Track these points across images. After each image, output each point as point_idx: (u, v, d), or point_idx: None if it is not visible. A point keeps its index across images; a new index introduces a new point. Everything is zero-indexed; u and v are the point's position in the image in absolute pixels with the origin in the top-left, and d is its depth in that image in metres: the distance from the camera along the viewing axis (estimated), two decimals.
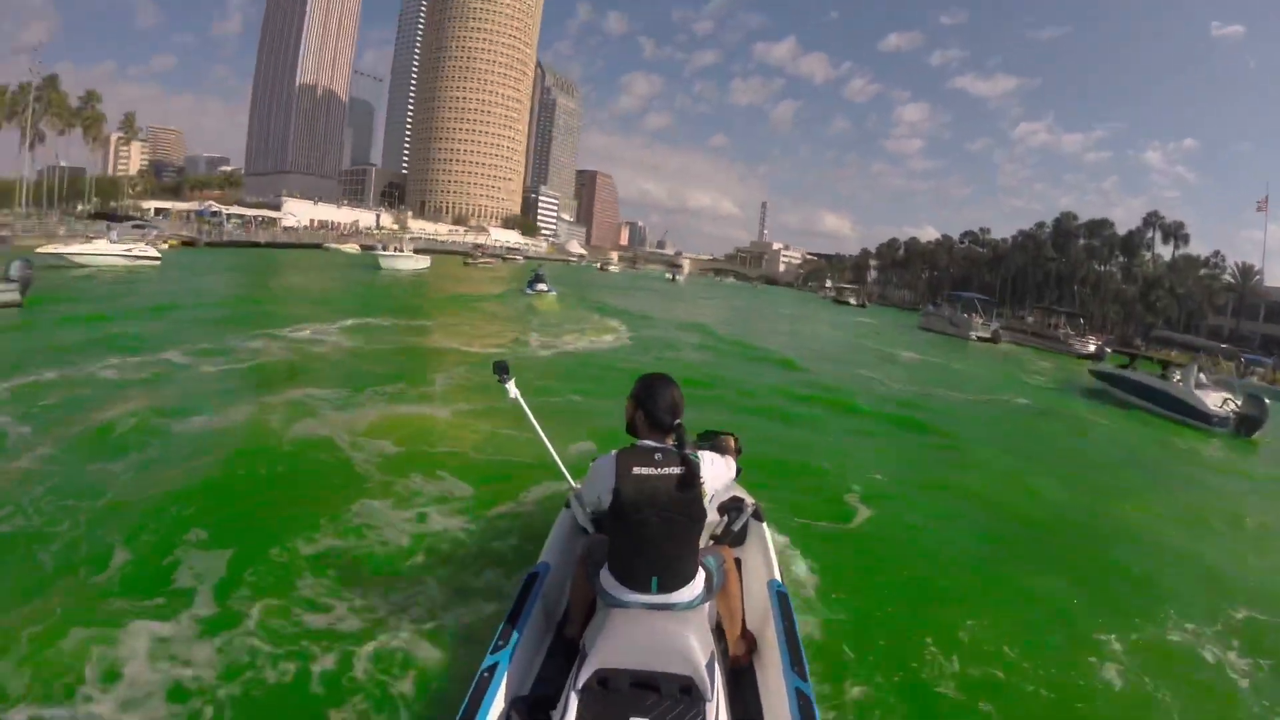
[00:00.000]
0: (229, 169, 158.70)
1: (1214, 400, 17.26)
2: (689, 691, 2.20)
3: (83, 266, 23.85)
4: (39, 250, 23.04)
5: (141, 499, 4.91)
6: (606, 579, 2.56)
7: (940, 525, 6.36)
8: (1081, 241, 77.14)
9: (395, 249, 46.26)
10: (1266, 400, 17.25)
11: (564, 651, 2.78)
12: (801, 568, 4.65)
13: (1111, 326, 66.57)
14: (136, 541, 4.28)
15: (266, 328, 13.48)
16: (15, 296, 13.69)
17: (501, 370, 3.67)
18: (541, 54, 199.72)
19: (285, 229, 79.56)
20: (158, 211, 70.89)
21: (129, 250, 25.96)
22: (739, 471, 2.99)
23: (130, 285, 20.56)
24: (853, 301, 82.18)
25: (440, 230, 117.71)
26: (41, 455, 5.63)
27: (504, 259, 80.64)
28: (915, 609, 4.42)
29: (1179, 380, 18.50)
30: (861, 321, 46.28)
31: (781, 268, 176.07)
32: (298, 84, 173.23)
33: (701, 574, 2.57)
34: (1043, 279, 79.37)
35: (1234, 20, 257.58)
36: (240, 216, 74.33)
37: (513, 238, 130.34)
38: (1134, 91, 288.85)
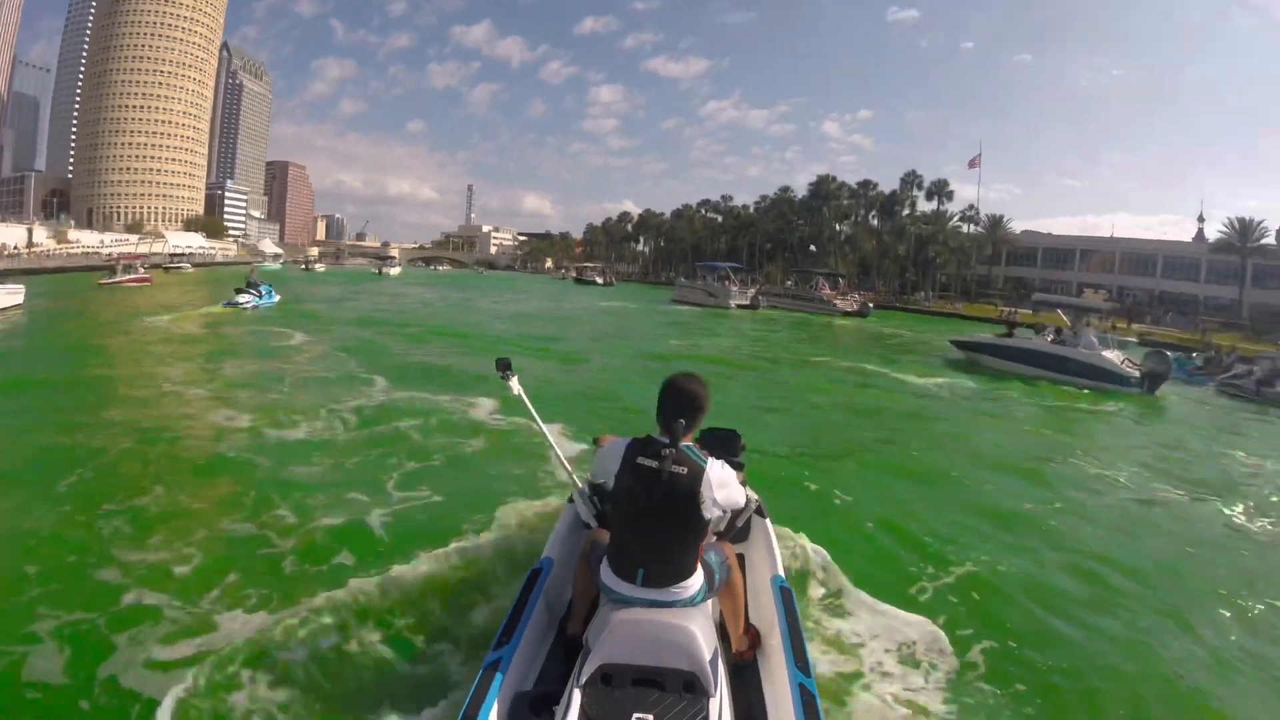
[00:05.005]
0: None
1: (1116, 360, 16.90)
2: (692, 687, 2.17)
3: None
4: None
5: None
6: (605, 572, 2.54)
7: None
8: (835, 203, 79.47)
9: None
10: (1170, 354, 17.91)
11: (567, 647, 2.74)
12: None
13: (874, 284, 70.61)
14: None
15: None
16: None
17: (504, 367, 3.44)
18: (228, 37, 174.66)
19: None
20: None
21: None
22: (742, 468, 2.96)
23: None
24: (599, 281, 78.40)
25: (106, 240, 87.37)
26: None
27: (166, 269, 57.33)
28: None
29: (1052, 339, 18.50)
30: (627, 307, 41.17)
31: (494, 249, 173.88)
32: None
33: (700, 572, 2.53)
34: (795, 243, 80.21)
35: (909, 6, 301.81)
36: None
37: (196, 241, 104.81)
38: (816, 69, 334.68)
